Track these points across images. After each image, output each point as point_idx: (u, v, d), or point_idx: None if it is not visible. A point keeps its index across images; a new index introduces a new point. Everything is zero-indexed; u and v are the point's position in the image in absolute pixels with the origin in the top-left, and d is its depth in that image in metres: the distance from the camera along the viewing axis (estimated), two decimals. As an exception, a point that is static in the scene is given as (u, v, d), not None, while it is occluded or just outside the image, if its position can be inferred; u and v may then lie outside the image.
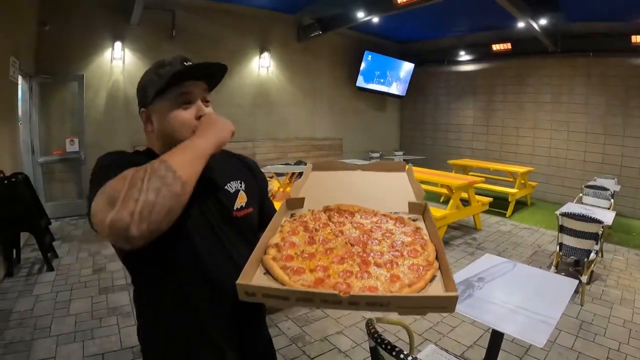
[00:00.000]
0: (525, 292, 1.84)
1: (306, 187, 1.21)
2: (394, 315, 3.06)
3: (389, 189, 1.22)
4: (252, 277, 0.77)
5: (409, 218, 1.02)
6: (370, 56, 9.04)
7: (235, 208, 1.05)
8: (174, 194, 0.74)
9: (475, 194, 5.79)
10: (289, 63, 8.20)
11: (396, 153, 10.02)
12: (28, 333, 2.74)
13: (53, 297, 3.31)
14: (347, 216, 1.02)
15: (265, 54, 7.72)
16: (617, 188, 5.59)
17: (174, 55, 1.00)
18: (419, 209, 1.06)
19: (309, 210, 1.05)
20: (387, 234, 0.93)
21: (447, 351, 1.93)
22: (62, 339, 2.68)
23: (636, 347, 2.76)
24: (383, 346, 1.23)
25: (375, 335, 1.28)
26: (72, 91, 5.78)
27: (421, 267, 0.79)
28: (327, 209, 1.05)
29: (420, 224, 0.99)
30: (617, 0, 5.57)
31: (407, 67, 9.76)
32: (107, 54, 6.00)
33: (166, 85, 0.93)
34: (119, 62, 6.11)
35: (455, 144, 9.53)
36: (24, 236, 4.23)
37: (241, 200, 1.07)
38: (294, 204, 1.09)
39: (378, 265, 0.82)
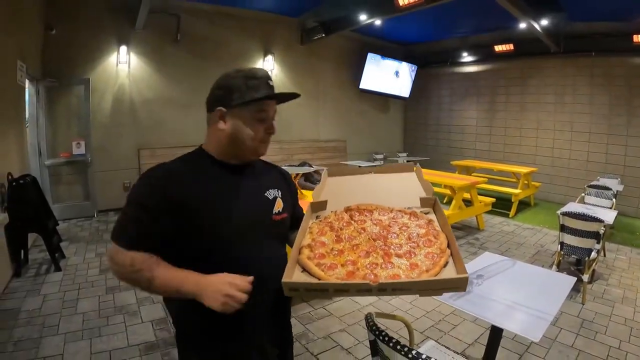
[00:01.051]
0: (523, 289, 1.86)
1: (326, 192, 1.31)
2: (397, 312, 3.09)
3: (401, 187, 1.32)
4: (292, 275, 0.88)
5: (422, 212, 1.13)
6: (373, 58, 9.07)
7: (274, 212, 1.16)
8: (142, 290, 1.03)
9: (479, 194, 5.80)
10: (293, 66, 8.25)
11: (400, 154, 10.04)
12: (36, 331, 2.79)
13: (61, 296, 3.37)
14: (367, 214, 1.13)
15: (269, 57, 7.77)
16: (620, 188, 5.59)
17: (261, 70, 1.15)
18: (429, 203, 1.17)
19: (332, 211, 1.17)
20: (403, 228, 1.05)
21: (447, 348, 1.96)
22: (70, 337, 2.74)
23: (637, 345, 2.77)
24: (381, 338, 1.26)
25: (374, 328, 1.31)
26: (78, 94, 5.84)
27: (435, 255, 0.91)
28: (348, 209, 1.16)
29: (432, 216, 1.10)
30: (619, 0, 5.57)
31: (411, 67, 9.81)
32: (112, 57, 6.07)
33: (252, 100, 1.06)
34: (124, 66, 6.19)
35: (459, 145, 9.54)
36: (32, 237, 4.30)
37: (278, 206, 1.18)
38: (318, 206, 1.21)
39: (399, 256, 0.93)
